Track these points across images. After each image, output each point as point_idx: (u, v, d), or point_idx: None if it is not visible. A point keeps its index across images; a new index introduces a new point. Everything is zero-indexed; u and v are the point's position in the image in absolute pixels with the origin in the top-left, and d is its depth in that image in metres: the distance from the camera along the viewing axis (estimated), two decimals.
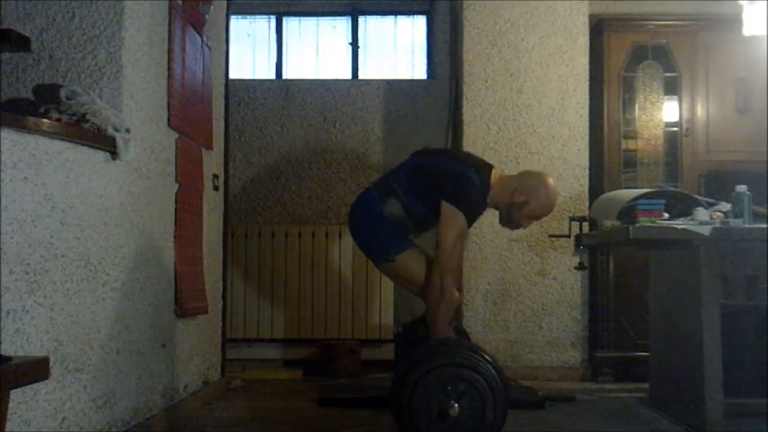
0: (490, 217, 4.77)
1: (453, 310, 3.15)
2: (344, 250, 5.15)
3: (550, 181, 3.20)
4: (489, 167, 3.24)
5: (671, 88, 4.87)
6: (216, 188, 4.13)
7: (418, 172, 3.21)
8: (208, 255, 3.91)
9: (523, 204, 3.14)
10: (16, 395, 1.96)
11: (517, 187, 3.16)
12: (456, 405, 2.74)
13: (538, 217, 3.24)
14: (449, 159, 3.39)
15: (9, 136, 2.16)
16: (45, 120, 2.38)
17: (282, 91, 5.58)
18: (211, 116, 4.00)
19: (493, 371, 2.82)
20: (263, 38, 5.81)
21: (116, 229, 2.78)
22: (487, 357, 2.90)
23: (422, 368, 2.81)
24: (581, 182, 4.81)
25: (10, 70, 2.83)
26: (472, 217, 3.14)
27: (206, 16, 3.82)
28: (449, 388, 2.76)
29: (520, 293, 4.78)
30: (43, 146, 2.32)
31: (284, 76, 5.75)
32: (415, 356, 2.91)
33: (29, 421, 2.21)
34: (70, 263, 2.45)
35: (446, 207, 3.06)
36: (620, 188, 4.58)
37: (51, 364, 1.98)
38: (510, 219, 3.22)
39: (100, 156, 2.65)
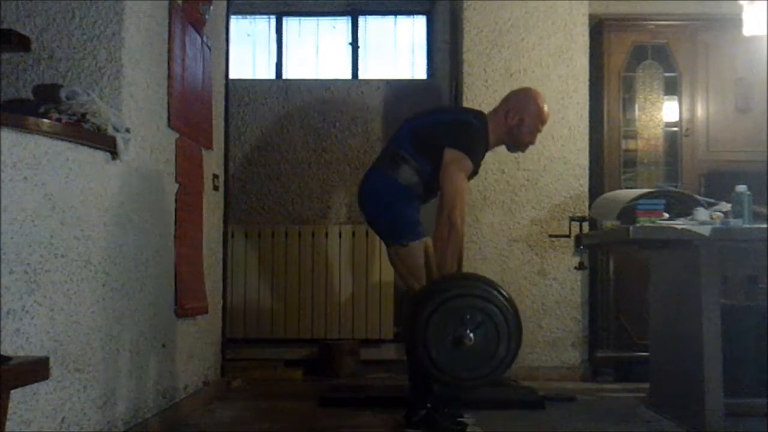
0: (489, 216, 4.81)
1: (460, 247, 3.18)
2: (344, 250, 5.15)
3: (534, 91, 3.41)
4: (482, 112, 3.38)
5: (671, 88, 4.87)
6: (216, 188, 4.13)
7: (419, 133, 3.26)
8: (208, 255, 3.91)
9: (519, 123, 3.30)
10: (16, 395, 1.95)
11: (507, 111, 3.32)
12: (471, 335, 2.74)
13: (539, 129, 3.37)
14: (446, 112, 3.50)
15: (9, 136, 2.16)
16: (45, 120, 2.38)
17: (282, 91, 5.57)
18: (211, 116, 4.00)
19: (510, 309, 2.82)
20: (263, 38, 5.81)
21: (116, 229, 2.78)
22: (505, 293, 2.90)
23: (442, 295, 2.80)
24: (581, 182, 4.81)
25: (10, 70, 2.83)
26: (476, 159, 3.22)
27: (206, 16, 3.82)
28: (468, 317, 2.76)
29: (520, 293, 4.77)
30: (43, 146, 2.32)
31: (284, 76, 5.75)
32: (434, 285, 2.89)
33: (29, 421, 2.21)
34: (70, 263, 2.45)
35: (450, 151, 3.14)
36: (620, 188, 4.57)
37: (51, 364, 1.97)
38: (516, 142, 3.38)
39: (100, 156, 2.66)
